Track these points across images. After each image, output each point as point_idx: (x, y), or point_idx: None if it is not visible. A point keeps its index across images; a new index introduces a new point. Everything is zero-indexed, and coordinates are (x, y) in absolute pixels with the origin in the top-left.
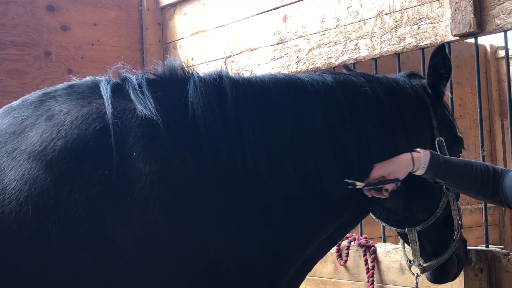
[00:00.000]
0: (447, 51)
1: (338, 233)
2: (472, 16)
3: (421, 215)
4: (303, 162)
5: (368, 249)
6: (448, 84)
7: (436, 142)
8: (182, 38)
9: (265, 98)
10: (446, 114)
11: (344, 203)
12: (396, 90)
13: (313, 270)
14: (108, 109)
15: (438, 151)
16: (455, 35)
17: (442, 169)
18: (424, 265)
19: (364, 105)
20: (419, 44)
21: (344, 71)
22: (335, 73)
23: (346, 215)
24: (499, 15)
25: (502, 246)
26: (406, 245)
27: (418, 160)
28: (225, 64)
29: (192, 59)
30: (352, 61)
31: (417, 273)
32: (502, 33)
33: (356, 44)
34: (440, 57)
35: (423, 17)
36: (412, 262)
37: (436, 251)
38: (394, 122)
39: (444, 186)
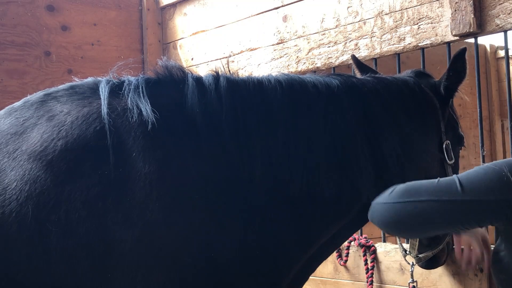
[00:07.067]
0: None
1: (341, 235)
2: (472, 16)
3: None
4: (305, 166)
5: (368, 249)
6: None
7: (444, 146)
8: (182, 38)
9: (263, 99)
10: (451, 114)
11: (346, 205)
12: (406, 95)
13: None
14: (104, 109)
15: (445, 155)
16: (455, 35)
17: None
18: (420, 255)
19: (370, 113)
20: (419, 44)
21: (353, 64)
22: (342, 75)
23: (349, 217)
24: (499, 15)
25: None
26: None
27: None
28: (226, 64)
29: (192, 59)
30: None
31: (412, 262)
32: (502, 33)
33: (356, 44)
34: (461, 62)
35: (423, 17)
36: (408, 252)
37: (432, 243)
38: (403, 132)
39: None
